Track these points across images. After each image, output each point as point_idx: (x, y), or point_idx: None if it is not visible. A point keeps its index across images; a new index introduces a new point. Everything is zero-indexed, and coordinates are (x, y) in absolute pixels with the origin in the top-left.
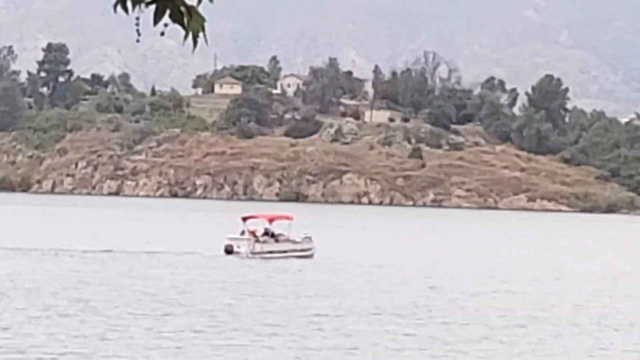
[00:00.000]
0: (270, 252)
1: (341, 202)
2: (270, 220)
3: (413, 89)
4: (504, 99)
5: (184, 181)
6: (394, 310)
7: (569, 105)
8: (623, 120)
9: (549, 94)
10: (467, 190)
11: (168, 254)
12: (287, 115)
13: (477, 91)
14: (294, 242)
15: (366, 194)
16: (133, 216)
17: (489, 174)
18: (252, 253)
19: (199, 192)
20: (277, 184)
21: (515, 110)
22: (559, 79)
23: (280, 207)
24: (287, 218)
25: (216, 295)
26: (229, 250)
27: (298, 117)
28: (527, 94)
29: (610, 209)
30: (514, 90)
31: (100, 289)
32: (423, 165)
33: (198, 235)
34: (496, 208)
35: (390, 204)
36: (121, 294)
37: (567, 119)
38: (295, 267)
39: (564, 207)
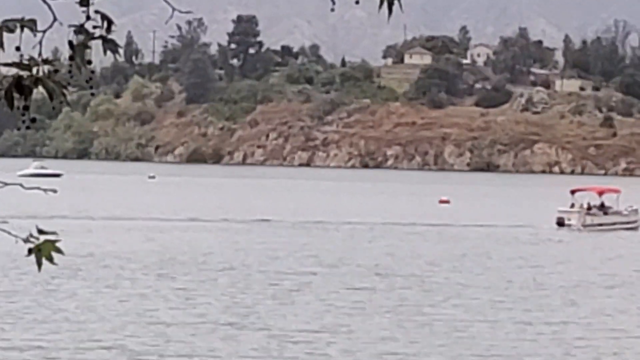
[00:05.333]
0: (600, 224)
1: (532, 172)
2: (600, 193)
3: (604, 58)
4: None
5: (374, 152)
6: None
7: None
8: None
9: None
10: None
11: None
12: (478, 85)
13: None
14: (621, 214)
15: (557, 163)
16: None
17: None
18: (584, 226)
19: (389, 162)
20: (468, 154)
21: None
22: None
23: (476, 178)
24: (616, 191)
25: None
26: (560, 223)
27: (488, 87)
28: None
29: None
30: None
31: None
32: (614, 134)
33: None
34: None
35: (582, 173)
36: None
37: None
38: None
39: None
